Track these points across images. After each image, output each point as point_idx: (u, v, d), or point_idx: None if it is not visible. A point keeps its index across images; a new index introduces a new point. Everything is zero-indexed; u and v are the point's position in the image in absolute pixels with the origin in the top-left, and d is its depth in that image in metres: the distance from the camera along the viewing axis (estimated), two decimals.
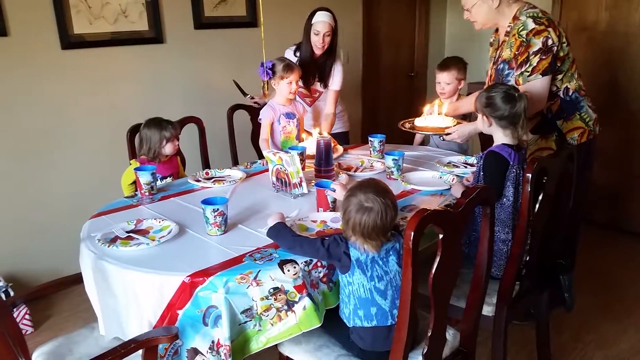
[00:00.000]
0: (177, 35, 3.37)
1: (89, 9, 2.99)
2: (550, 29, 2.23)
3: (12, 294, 2.71)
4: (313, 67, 3.01)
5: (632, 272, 3.20)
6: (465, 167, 2.48)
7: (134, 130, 2.62)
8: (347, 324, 1.64)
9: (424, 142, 3.07)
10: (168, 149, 2.51)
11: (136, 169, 2.19)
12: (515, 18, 2.32)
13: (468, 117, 2.96)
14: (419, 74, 4.98)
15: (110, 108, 3.18)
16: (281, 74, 2.67)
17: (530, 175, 1.73)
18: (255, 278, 1.51)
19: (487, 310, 1.89)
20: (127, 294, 1.60)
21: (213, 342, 1.50)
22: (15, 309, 2.65)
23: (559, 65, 2.30)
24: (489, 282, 1.72)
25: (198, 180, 2.35)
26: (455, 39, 4.94)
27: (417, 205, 2.01)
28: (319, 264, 1.62)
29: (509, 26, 2.34)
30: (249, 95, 3.08)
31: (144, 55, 3.27)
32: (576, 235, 2.62)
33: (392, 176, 2.33)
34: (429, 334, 1.50)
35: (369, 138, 2.70)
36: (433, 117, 2.68)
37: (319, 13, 2.90)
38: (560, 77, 2.34)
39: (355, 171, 2.46)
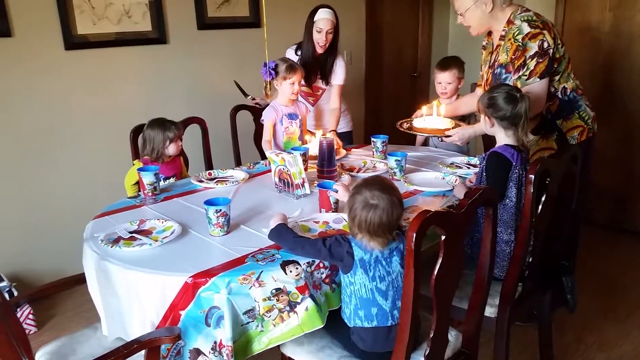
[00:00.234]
0: (180, 36, 3.38)
1: (93, 10, 3.00)
2: (545, 32, 2.23)
3: (15, 293, 2.72)
4: (315, 65, 3.01)
5: (634, 273, 3.19)
6: (468, 167, 2.48)
7: (137, 131, 2.63)
8: (348, 324, 1.64)
9: (426, 142, 3.07)
10: (171, 149, 2.52)
11: (139, 170, 2.20)
12: (509, 22, 2.32)
13: (467, 118, 2.97)
14: (422, 74, 4.98)
15: (114, 108, 3.19)
16: (284, 74, 2.67)
17: (533, 176, 1.73)
18: (257, 279, 1.52)
19: (490, 311, 1.89)
20: (129, 294, 1.60)
21: (215, 342, 1.51)
22: (18, 309, 2.66)
23: (555, 66, 2.31)
24: (491, 283, 1.72)
25: (201, 181, 2.36)
26: (458, 39, 4.94)
27: (420, 206, 2.01)
28: (321, 264, 1.62)
29: (503, 30, 2.34)
30: (250, 96, 3.09)
31: (147, 55, 3.28)
32: (577, 236, 2.62)
33: (394, 177, 2.33)
34: (431, 335, 1.50)
35: (372, 139, 2.70)
36: (432, 118, 2.67)
37: (321, 10, 2.90)
38: (557, 77, 2.34)
39: (357, 172, 2.46)
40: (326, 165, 2.33)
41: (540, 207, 1.83)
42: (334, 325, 1.66)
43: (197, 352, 1.53)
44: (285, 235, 1.64)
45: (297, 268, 1.56)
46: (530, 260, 1.94)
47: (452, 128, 2.55)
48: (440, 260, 1.40)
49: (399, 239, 1.59)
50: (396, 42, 4.78)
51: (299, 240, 1.61)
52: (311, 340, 1.71)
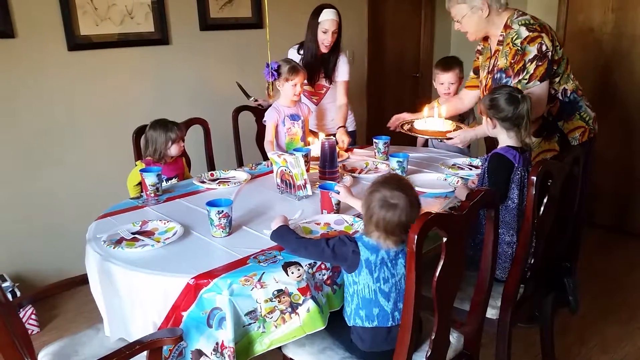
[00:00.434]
0: (183, 37, 3.38)
1: (95, 11, 3.01)
2: (543, 34, 2.24)
3: (18, 294, 2.73)
4: (318, 64, 3.01)
5: (637, 274, 3.18)
6: (470, 169, 2.48)
7: (139, 132, 2.64)
8: (348, 323, 1.65)
9: (427, 143, 3.08)
10: (173, 150, 2.52)
11: (142, 171, 2.20)
12: (507, 27, 2.32)
13: (466, 119, 2.97)
14: (424, 74, 4.97)
15: (116, 109, 3.19)
16: (286, 75, 2.67)
17: (535, 178, 1.73)
18: (259, 280, 1.52)
19: (492, 313, 1.89)
20: (132, 295, 1.61)
21: (217, 343, 1.51)
22: (21, 309, 2.66)
23: (555, 68, 2.31)
24: (493, 284, 1.72)
25: (203, 182, 2.36)
26: (461, 39, 4.91)
27: (422, 208, 2.00)
28: (322, 266, 1.62)
29: (501, 35, 2.35)
30: (252, 98, 3.09)
31: (150, 56, 3.28)
32: (579, 237, 2.62)
33: None
34: (433, 337, 1.50)
35: (374, 140, 2.70)
36: (432, 120, 2.66)
37: (325, 11, 2.90)
38: (557, 79, 2.35)
39: (359, 173, 2.46)
40: (328, 166, 2.33)
41: (542, 208, 1.83)
42: (335, 327, 1.67)
43: (199, 353, 1.53)
44: (288, 237, 1.64)
45: (298, 269, 1.57)
46: (532, 261, 1.94)
47: (453, 130, 2.55)
48: (441, 262, 1.41)
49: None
50: (398, 43, 4.78)
51: (302, 241, 1.61)
52: (313, 342, 1.71)
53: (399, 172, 2.32)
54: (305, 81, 2.88)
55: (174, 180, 2.53)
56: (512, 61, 2.27)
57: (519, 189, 1.95)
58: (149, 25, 3.23)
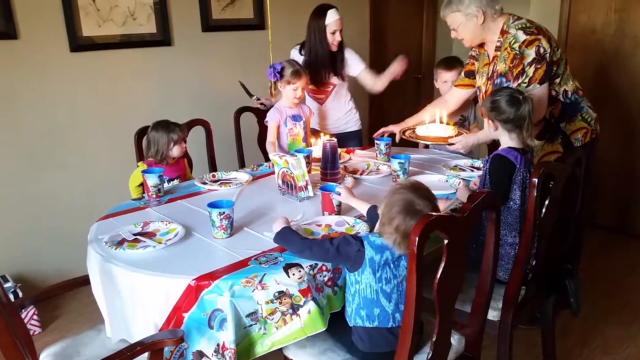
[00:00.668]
0: (185, 38, 3.39)
1: (98, 12, 3.02)
2: (540, 37, 2.24)
3: (20, 294, 2.74)
4: (327, 64, 3.02)
5: (639, 276, 3.18)
6: (472, 170, 2.47)
7: (141, 133, 2.64)
8: (348, 323, 1.65)
9: (429, 145, 3.08)
10: (175, 151, 2.53)
11: (143, 172, 2.21)
12: (503, 32, 2.33)
13: (467, 120, 2.98)
14: (426, 75, 4.97)
15: (118, 110, 3.20)
16: (288, 78, 2.68)
17: (536, 180, 1.73)
18: (260, 282, 1.52)
19: (493, 314, 1.89)
20: (133, 296, 1.61)
21: (218, 345, 1.51)
22: (23, 310, 2.67)
23: (554, 69, 2.31)
24: (494, 286, 1.71)
25: (204, 183, 2.36)
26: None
27: None
28: (323, 267, 1.62)
29: (498, 41, 2.35)
30: (255, 97, 3.09)
31: (152, 57, 3.29)
32: (581, 239, 2.61)
33: (398, 180, 2.33)
34: (434, 339, 1.50)
35: (375, 141, 2.70)
36: (434, 125, 2.67)
37: (330, 12, 2.91)
38: (557, 80, 2.35)
39: (361, 174, 2.46)
40: (329, 167, 2.33)
41: (543, 210, 1.83)
42: (336, 328, 1.67)
43: (200, 354, 1.53)
44: (292, 238, 1.64)
45: (299, 271, 1.57)
46: (534, 263, 1.94)
47: (455, 136, 2.56)
48: (443, 264, 1.40)
49: None
50: (400, 44, 4.78)
51: (306, 242, 1.61)
52: (314, 343, 1.72)
53: (400, 173, 2.32)
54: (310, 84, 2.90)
55: (175, 182, 2.54)
56: (511, 65, 2.28)
57: (521, 190, 1.94)
58: (151, 26, 3.24)
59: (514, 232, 1.97)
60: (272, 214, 1.99)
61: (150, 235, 1.83)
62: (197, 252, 1.71)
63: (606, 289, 3.01)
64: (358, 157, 2.78)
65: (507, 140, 2.01)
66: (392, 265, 1.57)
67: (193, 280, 1.51)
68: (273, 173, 2.33)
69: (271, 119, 2.76)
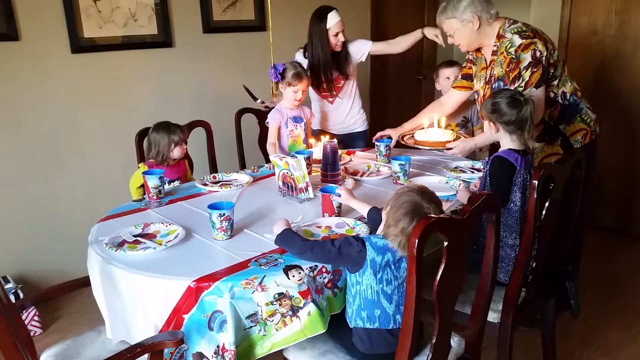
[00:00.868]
0: (186, 39, 3.40)
1: (99, 13, 3.02)
2: (536, 40, 2.25)
3: (21, 295, 2.74)
4: (330, 66, 3.02)
5: None
6: (472, 172, 2.47)
7: (142, 134, 2.64)
8: (349, 324, 1.65)
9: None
10: (176, 152, 2.53)
11: (144, 173, 2.21)
12: (500, 36, 2.34)
13: (470, 121, 2.99)
14: (427, 77, 4.97)
15: (119, 111, 3.20)
16: (289, 80, 2.69)
17: (536, 182, 1.73)
18: (260, 283, 1.52)
19: (493, 316, 1.89)
20: (133, 297, 1.61)
21: (218, 346, 1.51)
22: (24, 311, 2.68)
23: (552, 71, 2.32)
24: (494, 288, 1.71)
25: (205, 184, 2.37)
26: None
27: None
28: (323, 269, 1.62)
29: (495, 45, 2.36)
30: (259, 100, 3.09)
31: (153, 59, 3.29)
32: (581, 240, 2.61)
33: (398, 181, 2.33)
34: (434, 341, 1.50)
35: (375, 143, 2.71)
36: (433, 130, 2.69)
37: (330, 15, 2.91)
38: (555, 82, 2.36)
39: (361, 176, 2.46)
40: (330, 169, 2.33)
41: (544, 212, 1.83)
42: (336, 330, 1.67)
43: (200, 356, 1.53)
44: (293, 240, 1.64)
45: (299, 273, 1.57)
46: (534, 265, 1.94)
47: (453, 140, 2.58)
48: (442, 266, 1.40)
49: None
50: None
51: (307, 243, 1.62)
52: (314, 345, 1.72)
53: (401, 175, 2.32)
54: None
55: (176, 183, 2.54)
56: (508, 69, 2.29)
57: (522, 192, 1.94)
58: (152, 27, 3.24)
59: (515, 233, 1.97)
60: (273, 216, 1.99)
61: (150, 236, 1.83)
62: (197, 254, 1.71)
63: (607, 291, 3.01)
64: (358, 159, 2.78)
65: (508, 142, 2.01)
66: (393, 267, 1.57)
67: (193, 281, 1.52)
68: (274, 174, 2.33)
69: (272, 120, 2.77)
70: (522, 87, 2.23)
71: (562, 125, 2.41)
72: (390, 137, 2.78)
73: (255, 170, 2.63)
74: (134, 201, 2.24)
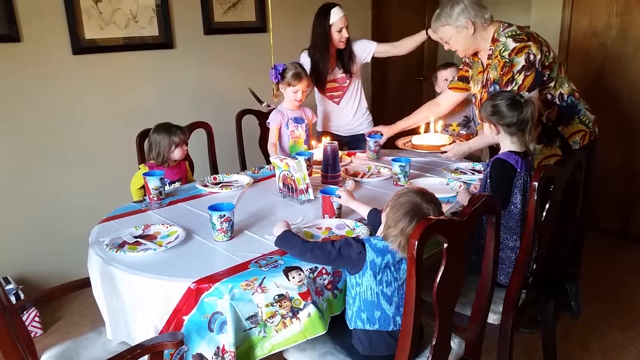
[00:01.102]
0: (187, 41, 3.40)
1: (100, 15, 3.03)
2: (530, 43, 2.25)
3: (22, 296, 2.74)
4: (335, 64, 3.03)
5: None
6: (473, 173, 2.47)
7: (143, 135, 2.65)
8: (349, 326, 1.65)
9: None
10: (177, 154, 2.54)
11: (145, 174, 2.21)
12: (494, 40, 2.35)
13: (472, 120, 2.99)
14: (428, 78, 4.97)
15: (120, 112, 3.21)
16: (289, 80, 2.69)
17: (536, 183, 1.73)
18: (260, 285, 1.52)
19: (493, 318, 1.89)
20: (134, 299, 1.62)
21: (218, 348, 1.51)
22: (25, 312, 2.68)
23: (547, 73, 2.32)
24: (494, 290, 1.71)
25: (206, 186, 2.37)
26: None
27: None
28: (323, 271, 1.62)
29: (490, 49, 2.37)
30: (265, 103, 3.09)
31: (154, 60, 3.30)
32: (581, 242, 2.61)
33: (399, 182, 2.33)
34: (434, 342, 1.50)
35: (367, 137, 2.75)
36: (429, 134, 2.74)
37: (333, 11, 2.90)
38: (552, 84, 2.36)
39: (362, 177, 2.46)
40: (330, 170, 2.34)
41: (544, 214, 1.82)
42: (336, 331, 1.67)
43: (200, 357, 1.53)
44: (293, 241, 1.64)
45: (299, 274, 1.57)
46: (534, 267, 1.93)
47: (449, 144, 2.62)
48: (442, 268, 1.40)
49: None
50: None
51: (308, 244, 1.62)
52: (314, 346, 1.72)
53: (401, 176, 2.33)
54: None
55: (177, 184, 2.54)
56: (501, 73, 2.30)
57: (522, 194, 1.94)
58: (153, 29, 3.25)
59: (515, 235, 1.96)
60: (273, 217, 2.00)
61: (151, 237, 1.84)
62: (198, 255, 1.71)
63: (608, 293, 3.00)
64: (359, 160, 2.78)
65: (509, 144, 2.01)
66: (392, 268, 1.57)
67: (193, 283, 1.52)
68: (274, 176, 2.33)
69: (273, 121, 2.77)
70: (514, 90, 2.24)
71: (560, 127, 2.41)
72: (381, 134, 2.81)
73: (256, 171, 2.63)
74: (134, 202, 2.24)
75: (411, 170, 2.38)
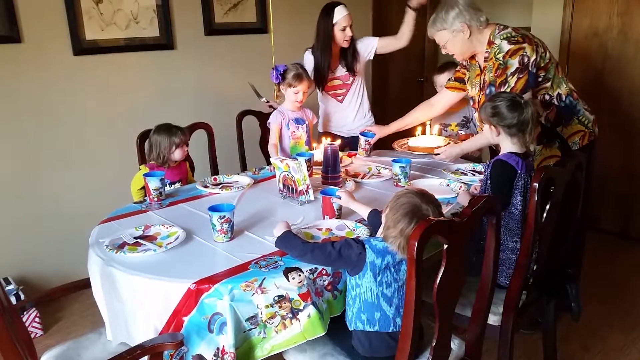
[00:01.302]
0: (188, 41, 3.40)
1: (101, 16, 3.03)
2: (525, 45, 2.26)
3: (22, 297, 2.74)
4: (338, 62, 3.03)
5: None
6: (474, 174, 2.47)
7: (143, 136, 2.65)
8: (349, 327, 1.65)
9: None
10: (177, 154, 2.54)
11: (145, 175, 2.21)
12: (490, 43, 2.36)
13: (471, 121, 2.99)
14: (428, 79, 4.97)
15: (121, 113, 3.21)
16: (289, 81, 2.69)
17: (537, 184, 1.73)
18: (260, 286, 1.52)
19: (494, 319, 1.88)
20: (133, 300, 1.62)
21: (218, 349, 1.51)
22: (25, 312, 2.68)
23: (543, 74, 2.33)
24: (495, 291, 1.71)
25: (206, 186, 2.37)
26: None
27: None
28: (323, 272, 1.62)
29: (486, 52, 2.38)
30: (264, 98, 3.08)
31: (155, 61, 3.30)
32: (582, 243, 2.61)
33: (399, 183, 2.33)
34: (434, 344, 1.50)
35: (359, 135, 2.79)
36: (425, 136, 2.78)
37: (337, 10, 2.90)
38: (549, 85, 2.36)
39: (362, 178, 2.46)
40: (331, 171, 2.33)
41: (544, 215, 1.82)
42: (336, 332, 1.67)
43: (200, 358, 1.53)
44: (293, 242, 1.64)
45: (299, 275, 1.57)
46: (535, 268, 1.93)
47: (444, 146, 2.65)
48: (442, 269, 1.40)
49: None
50: (403, 48, 4.77)
51: (308, 245, 1.62)
52: (313, 347, 1.72)
53: (401, 177, 2.32)
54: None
55: (177, 185, 2.54)
56: (495, 75, 2.32)
57: (522, 195, 1.94)
58: (154, 30, 3.25)
59: (516, 237, 1.96)
60: (273, 218, 1.99)
61: (151, 238, 1.84)
62: (198, 256, 1.71)
63: (609, 294, 3.00)
64: (359, 161, 2.78)
65: (509, 145, 2.01)
66: (392, 269, 1.57)
67: (193, 284, 1.52)
68: (274, 177, 2.33)
69: (273, 121, 2.78)
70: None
71: (559, 128, 2.41)
72: (374, 133, 2.84)
73: (256, 172, 2.63)
74: (134, 203, 2.24)
75: (412, 171, 2.38)
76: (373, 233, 1.79)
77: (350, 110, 3.15)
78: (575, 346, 2.54)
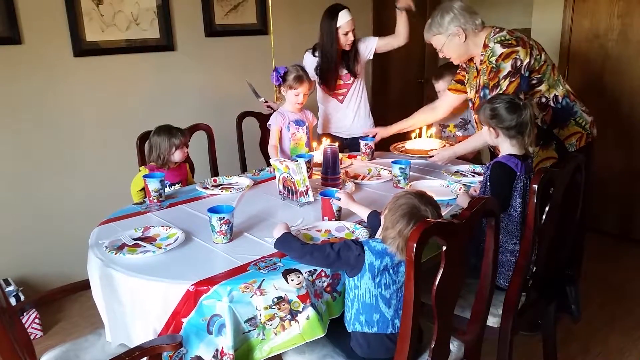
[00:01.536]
0: (188, 43, 3.41)
1: (101, 17, 3.04)
2: (519, 48, 2.27)
3: (22, 298, 2.75)
4: (340, 64, 3.04)
5: None
6: (473, 176, 2.47)
7: (143, 137, 2.66)
8: (347, 329, 1.64)
9: None
10: (177, 156, 2.54)
11: (145, 176, 2.21)
12: (485, 46, 2.37)
13: (470, 123, 3.00)
14: (429, 80, 4.97)
15: (121, 114, 3.22)
16: (290, 83, 2.70)
17: (536, 186, 1.73)
18: (259, 287, 1.52)
19: (493, 321, 1.88)
20: (133, 301, 1.62)
21: (217, 350, 1.51)
22: (25, 313, 2.68)
23: (538, 77, 2.33)
24: (494, 293, 1.71)
25: (206, 188, 2.37)
26: None
27: None
28: (322, 273, 1.62)
29: (482, 54, 2.38)
30: (262, 98, 3.08)
31: (155, 62, 3.30)
32: (581, 244, 2.61)
33: (399, 185, 2.33)
34: (432, 345, 1.49)
35: (360, 140, 2.80)
36: (422, 139, 2.82)
37: (341, 14, 2.91)
38: (542, 87, 2.36)
39: (362, 179, 2.46)
40: (330, 172, 2.34)
41: (544, 216, 1.82)
42: (335, 334, 1.67)
43: (199, 359, 1.53)
44: (292, 244, 1.64)
45: (298, 277, 1.57)
46: (534, 269, 1.93)
47: (439, 149, 2.69)
48: (441, 271, 1.40)
49: None
50: (403, 48, 4.75)
51: (307, 247, 1.62)
52: (312, 349, 1.71)
53: (401, 178, 2.33)
54: (317, 86, 2.93)
55: (177, 186, 2.54)
56: (488, 78, 2.32)
57: (522, 197, 1.94)
58: (154, 31, 3.26)
59: (515, 239, 1.96)
60: (272, 220, 1.99)
61: (150, 240, 1.84)
62: (197, 257, 1.71)
63: (609, 296, 3.00)
64: (359, 163, 2.78)
65: (508, 147, 2.01)
66: (391, 271, 1.57)
67: (192, 285, 1.52)
68: (274, 178, 2.33)
69: (274, 122, 2.78)
70: None
71: (555, 129, 2.41)
72: (373, 136, 2.87)
73: (256, 173, 2.63)
74: (134, 204, 2.25)
75: (411, 173, 2.38)
76: (372, 234, 1.79)
77: (350, 110, 3.16)
78: (576, 348, 2.54)
